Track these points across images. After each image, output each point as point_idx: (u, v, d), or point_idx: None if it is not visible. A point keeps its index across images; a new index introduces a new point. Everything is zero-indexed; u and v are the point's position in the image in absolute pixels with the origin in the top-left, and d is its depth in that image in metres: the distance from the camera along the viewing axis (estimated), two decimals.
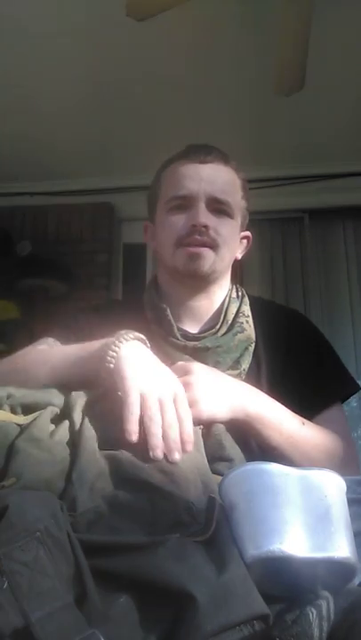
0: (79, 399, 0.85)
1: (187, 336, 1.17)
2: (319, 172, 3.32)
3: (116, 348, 0.89)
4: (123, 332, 0.93)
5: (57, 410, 0.84)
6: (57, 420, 0.82)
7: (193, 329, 1.20)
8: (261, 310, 1.25)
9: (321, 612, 0.58)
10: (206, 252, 1.16)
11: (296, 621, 0.57)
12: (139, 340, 0.94)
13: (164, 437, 0.78)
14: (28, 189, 3.49)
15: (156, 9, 2.06)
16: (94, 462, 0.72)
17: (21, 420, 0.81)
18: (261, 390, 1.15)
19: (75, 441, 0.76)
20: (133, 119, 2.96)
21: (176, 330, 1.16)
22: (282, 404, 1.11)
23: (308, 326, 1.29)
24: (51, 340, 1.16)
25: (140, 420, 0.79)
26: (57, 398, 0.86)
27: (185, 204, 1.17)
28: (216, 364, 1.13)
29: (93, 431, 0.77)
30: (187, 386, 0.92)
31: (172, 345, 1.15)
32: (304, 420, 1.06)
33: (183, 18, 2.22)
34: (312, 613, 0.57)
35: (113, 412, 0.81)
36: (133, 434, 0.77)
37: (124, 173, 3.37)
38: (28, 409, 0.84)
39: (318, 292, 3.40)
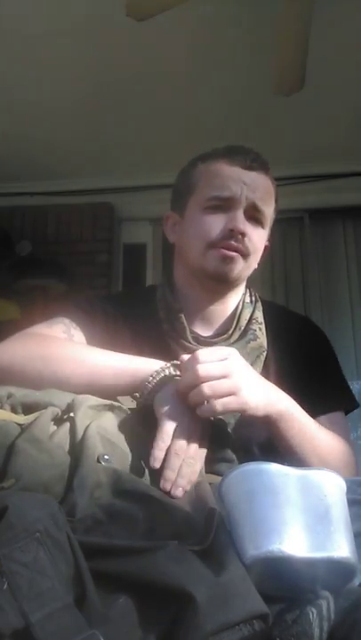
0: (84, 402, 0.84)
1: (198, 339, 1.16)
2: (319, 171, 3.32)
3: (170, 376, 0.91)
4: (179, 362, 0.93)
5: (58, 410, 0.84)
6: (58, 422, 0.82)
7: (205, 332, 1.19)
8: (273, 317, 1.24)
9: (321, 612, 0.58)
10: (238, 257, 1.14)
11: (296, 621, 0.57)
12: None
13: (178, 472, 0.81)
14: (28, 189, 3.49)
15: (156, 9, 2.06)
16: (94, 472, 0.72)
17: (22, 419, 0.81)
18: None
19: (76, 448, 0.76)
20: (133, 119, 2.95)
21: (188, 333, 1.15)
22: None
23: (318, 337, 1.28)
24: (67, 321, 1.13)
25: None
26: (57, 399, 0.86)
27: (224, 205, 1.15)
28: None
29: (97, 441, 0.77)
30: (230, 371, 0.88)
31: (184, 348, 1.14)
32: (318, 425, 1.05)
33: (183, 18, 2.22)
34: (312, 613, 0.57)
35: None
36: (158, 461, 0.81)
37: (124, 173, 3.36)
38: (28, 408, 0.84)
39: (318, 291, 3.40)
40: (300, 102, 2.54)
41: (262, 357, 1.17)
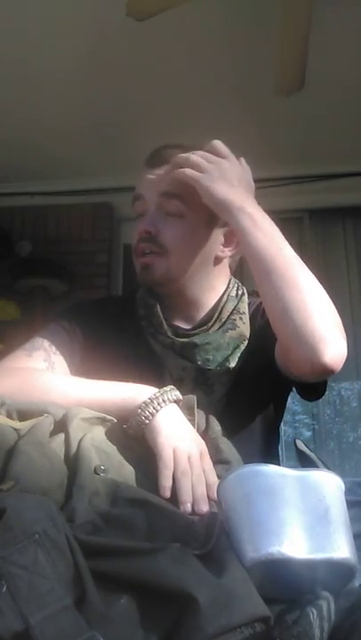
0: (78, 414, 0.85)
1: (177, 333, 1.14)
2: (319, 171, 3.32)
3: (158, 407, 0.90)
4: (168, 389, 0.93)
5: (53, 419, 0.84)
6: (51, 433, 0.82)
7: (185, 325, 1.17)
8: (261, 310, 1.21)
9: (322, 613, 0.58)
10: (155, 259, 1.11)
11: (297, 622, 0.57)
12: (176, 401, 0.94)
13: (193, 491, 0.82)
14: (28, 189, 3.48)
15: (156, 9, 2.06)
16: (92, 482, 0.72)
17: (18, 425, 0.81)
18: (245, 390, 1.14)
19: (72, 459, 0.77)
20: (133, 119, 2.95)
21: (165, 326, 1.13)
22: (262, 405, 1.14)
23: None
24: (47, 345, 1.12)
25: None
26: (52, 407, 0.86)
27: (141, 211, 1.14)
28: (205, 362, 1.11)
29: (93, 453, 0.78)
30: None
31: (160, 342, 1.13)
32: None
33: (183, 18, 2.22)
34: (313, 614, 0.57)
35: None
36: (168, 489, 0.82)
37: (124, 173, 3.34)
38: (23, 415, 0.84)
39: None
40: (300, 102, 2.54)
41: (242, 347, 1.14)
